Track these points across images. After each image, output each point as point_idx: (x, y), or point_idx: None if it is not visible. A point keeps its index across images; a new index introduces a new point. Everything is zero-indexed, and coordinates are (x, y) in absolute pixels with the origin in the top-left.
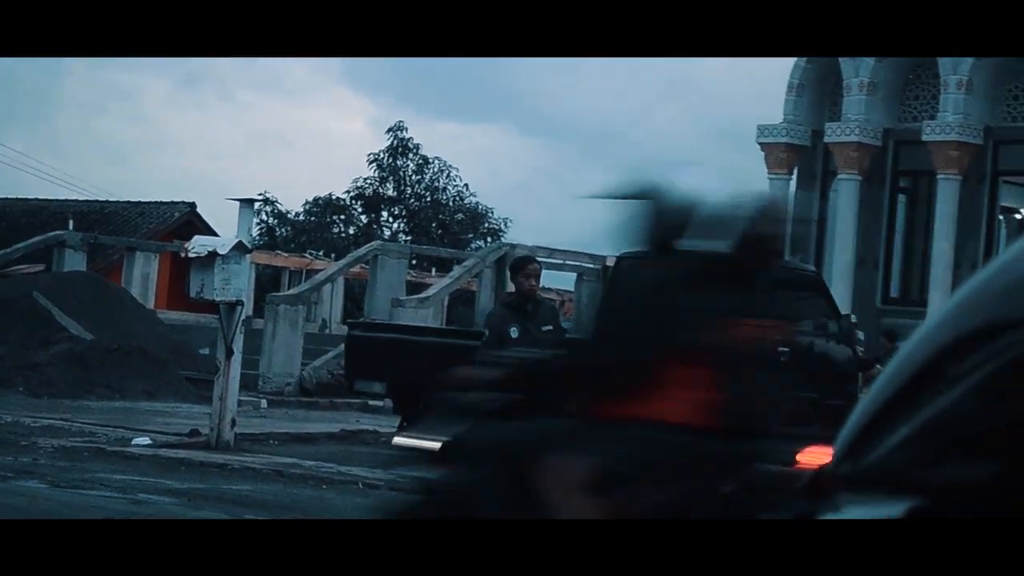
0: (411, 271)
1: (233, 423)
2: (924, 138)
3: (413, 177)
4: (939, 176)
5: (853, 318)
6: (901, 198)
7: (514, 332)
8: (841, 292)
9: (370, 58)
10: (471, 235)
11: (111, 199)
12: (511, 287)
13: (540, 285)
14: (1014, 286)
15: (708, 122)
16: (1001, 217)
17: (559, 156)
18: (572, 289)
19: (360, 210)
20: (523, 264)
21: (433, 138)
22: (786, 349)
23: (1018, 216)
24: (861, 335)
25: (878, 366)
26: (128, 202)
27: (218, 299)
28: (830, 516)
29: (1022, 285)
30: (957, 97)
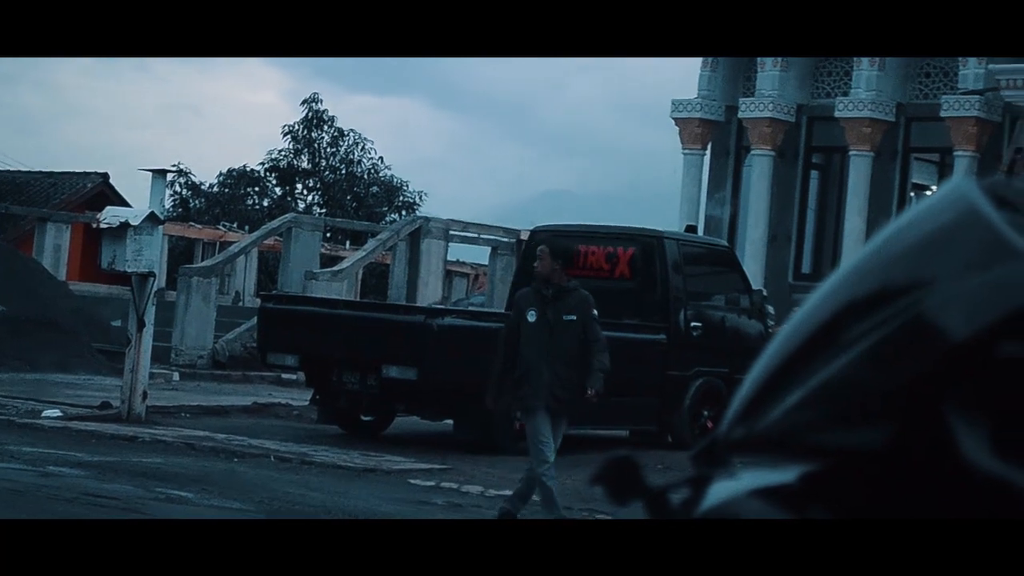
0: (325, 244)
1: (144, 396)
2: (837, 114)
3: (328, 149)
4: (851, 152)
5: (765, 293)
6: (814, 174)
7: (532, 315)
8: (753, 267)
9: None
10: (386, 208)
11: (22, 169)
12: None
13: (542, 267)
14: (906, 252)
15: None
16: (912, 194)
17: (473, 129)
18: (487, 263)
19: (274, 182)
20: (534, 247)
21: (347, 110)
22: (698, 324)
23: (929, 193)
24: (772, 310)
25: None
26: (40, 172)
27: (130, 270)
28: (724, 480)
29: (914, 251)
30: (870, 74)
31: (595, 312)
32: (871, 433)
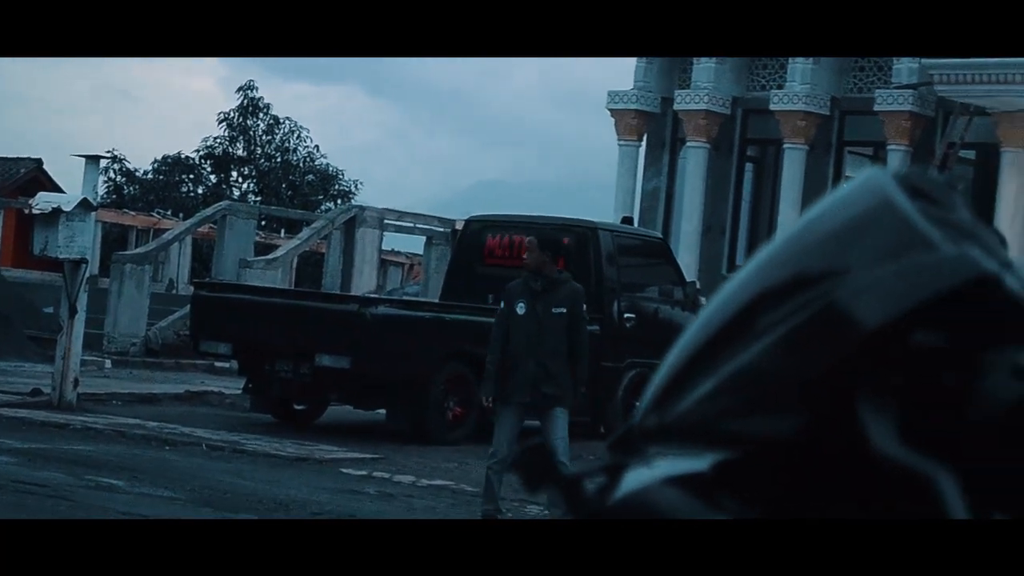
0: (260, 232)
1: (76, 383)
2: (772, 107)
3: (263, 137)
4: (786, 145)
5: (698, 285)
6: (748, 166)
7: (520, 308)
8: (688, 259)
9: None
10: (321, 197)
11: None
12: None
13: (530, 260)
14: (819, 242)
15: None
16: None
17: (408, 118)
18: (422, 252)
19: (209, 169)
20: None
21: (283, 98)
22: (632, 315)
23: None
24: (705, 302)
25: None
26: None
27: (62, 257)
28: (639, 468)
29: (827, 240)
30: (804, 67)
31: (584, 307)
32: (783, 421)
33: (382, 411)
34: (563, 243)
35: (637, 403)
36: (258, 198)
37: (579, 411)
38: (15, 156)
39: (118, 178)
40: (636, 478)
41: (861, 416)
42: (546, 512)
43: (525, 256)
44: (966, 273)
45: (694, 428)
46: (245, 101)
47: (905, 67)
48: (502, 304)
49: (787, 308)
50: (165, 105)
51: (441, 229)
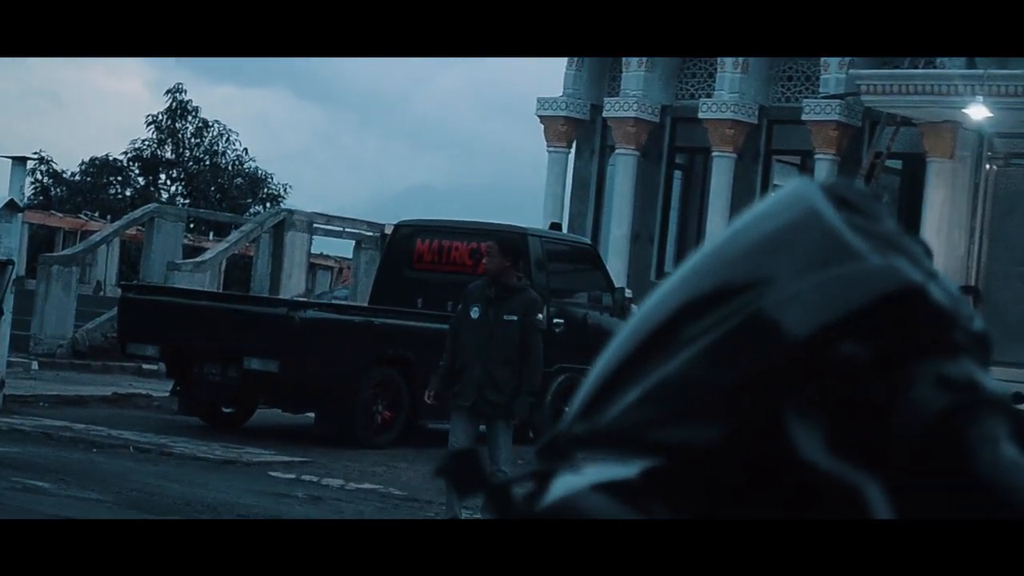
0: (188, 235)
1: (2, 384)
2: (700, 115)
3: (192, 140)
4: (714, 153)
5: (628, 292)
6: (677, 174)
7: (475, 312)
8: (616, 266)
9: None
10: (250, 200)
11: None
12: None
13: (492, 265)
14: (744, 252)
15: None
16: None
17: (337, 122)
18: (351, 256)
19: (137, 172)
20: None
21: (210, 101)
22: (560, 321)
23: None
24: (635, 308)
25: None
26: None
27: None
28: (567, 475)
29: (752, 250)
30: (733, 76)
31: (539, 317)
32: (709, 430)
33: (311, 415)
34: (484, 252)
35: (566, 408)
36: (186, 201)
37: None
38: None
39: (45, 180)
40: (564, 484)
41: (787, 426)
42: (476, 515)
43: (485, 261)
44: (891, 284)
45: (622, 435)
46: (174, 104)
47: (833, 77)
48: (461, 306)
49: (712, 318)
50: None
51: (370, 233)
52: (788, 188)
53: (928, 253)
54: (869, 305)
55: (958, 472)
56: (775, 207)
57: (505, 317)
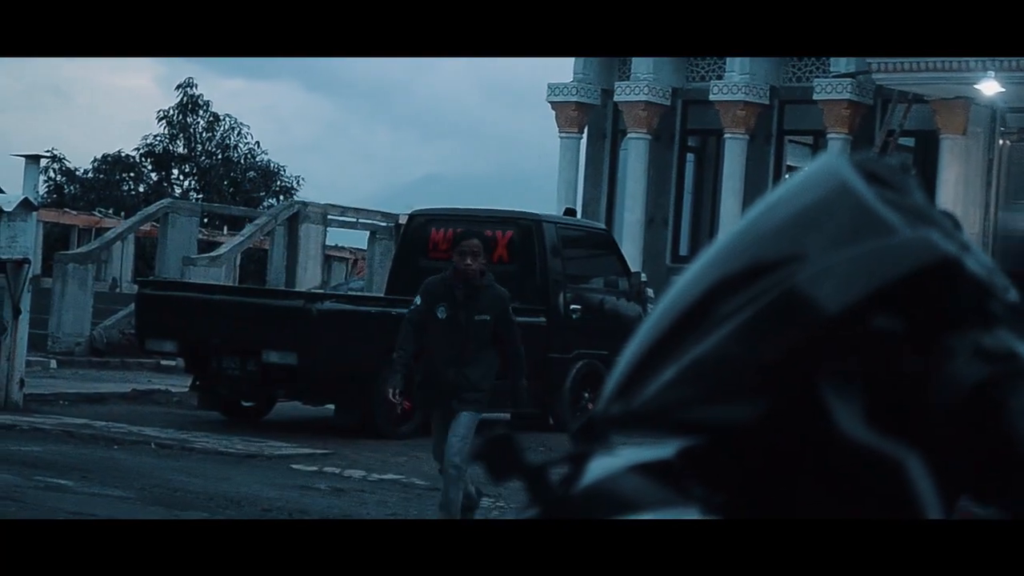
0: (203, 229)
1: (22, 383)
2: (712, 97)
3: (204, 134)
4: (726, 135)
5: (643, 276)
6: (690, 157)
7: (441, 312)
8: (631, 250)
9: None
10: (263, 193)
11: None
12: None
13: (476, 265)
14: (776, 228)
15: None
16: (787, 176)
17: (345, 112)
18: (365, 247)
19: (150, 168)
20: (460, 239)
21: (220, 95)
22: (578, 307)
23: (796, 177)
24: (651, 292)
25: None
26: None
27: (4, 257)
28: (603, 457)
29: (785, 226)
30: (744, 57)
31: (511, 312)
32: (745, 407)
33: (330, 406)
34: (499, 239)
35: (586, 394)
36: (200, 195)
37: (527, 403)
38: None
39: (58, 177)
40: (601, 466)
41: (825, 401)
42: (500, 504)
43: (469, 261)
44: (926, 256)
45: (657, 416)
46: (185, 99)
47: (843, 56)
48: (419, 300)
49: (746, 295)
50: (102, 103)
51: (384, 224)
52: (818, 164)
53: (957, 225)
54: (904, 277)
55: (998, 443)
56: (806, 183)
57: (477, 318)
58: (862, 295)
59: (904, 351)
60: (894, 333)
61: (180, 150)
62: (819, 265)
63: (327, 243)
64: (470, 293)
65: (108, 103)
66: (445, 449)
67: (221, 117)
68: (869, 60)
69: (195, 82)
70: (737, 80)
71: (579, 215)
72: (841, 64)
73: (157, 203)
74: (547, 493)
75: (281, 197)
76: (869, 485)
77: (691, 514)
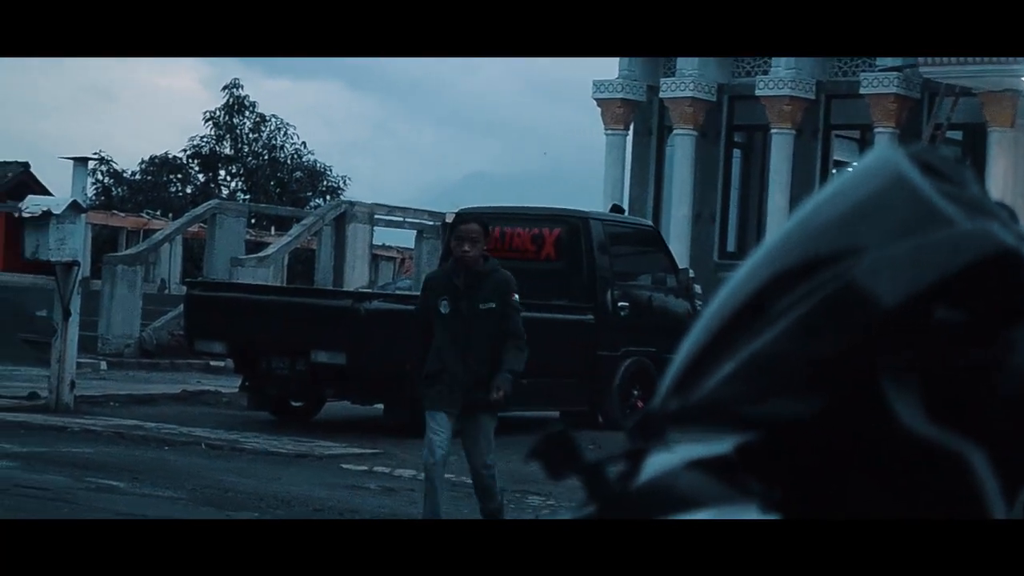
0: (250, 230)
1: (72, 385)
2: (758, 93)
3: (250, 135)
4: (773, 131)
5: (691, 272)
6: (736, 152)
7: (444, 306)
8: (678, 247)
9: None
10: (310, 193)
11: None
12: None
13: (475, 252)
14: (833, 222)
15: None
16: (834, 171)
17: (391, 111)
18: (412, 246)
19: (197, 169)
20: (456, 223)
21: (265, 95)
22: (626, 304)
23: (850, 170)
24: (699, 289)
25: None
26: None
27: (53, 259)
28: (660, 453)
29: (841, 219)
30: None
31: (516, 297)
32: (804, 403)
33: (380, 406)
34: (547, 237)
35: (635, 391)
36: (247, 196)
37: (576, 400)
38: (2, 160)
39: (106, 179)
40: (658, 463)
41: (885, 395)
42: (550, 502)
43: (467, 247)
44: (986, 248)
45: (715, 411)
46: (231, 99)
47: None
48: (422, 299)
49: (803, 289)
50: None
51: (431, 223)
52: (873, 156)
53: (1014, 217)
54: (964, 270)
55: None
56: (861, 176)
57: (481, 307)
58: (921, 288)
59: (965, 344)
60: (954, 326)
61: (227, 151)
62: (877, 258)
63: (374, 242)
64: (472, 282)
65: (154, 105)
66: (473, 454)
67: (267, 118)
68: None
69: (241, 83)
70: (783, 75)
71: (626, 212)
72: (887, 58)
73: (204, 204)
74: (605, 490)
75: (328, 197)
76: (930, 481)
77: (749, 510)
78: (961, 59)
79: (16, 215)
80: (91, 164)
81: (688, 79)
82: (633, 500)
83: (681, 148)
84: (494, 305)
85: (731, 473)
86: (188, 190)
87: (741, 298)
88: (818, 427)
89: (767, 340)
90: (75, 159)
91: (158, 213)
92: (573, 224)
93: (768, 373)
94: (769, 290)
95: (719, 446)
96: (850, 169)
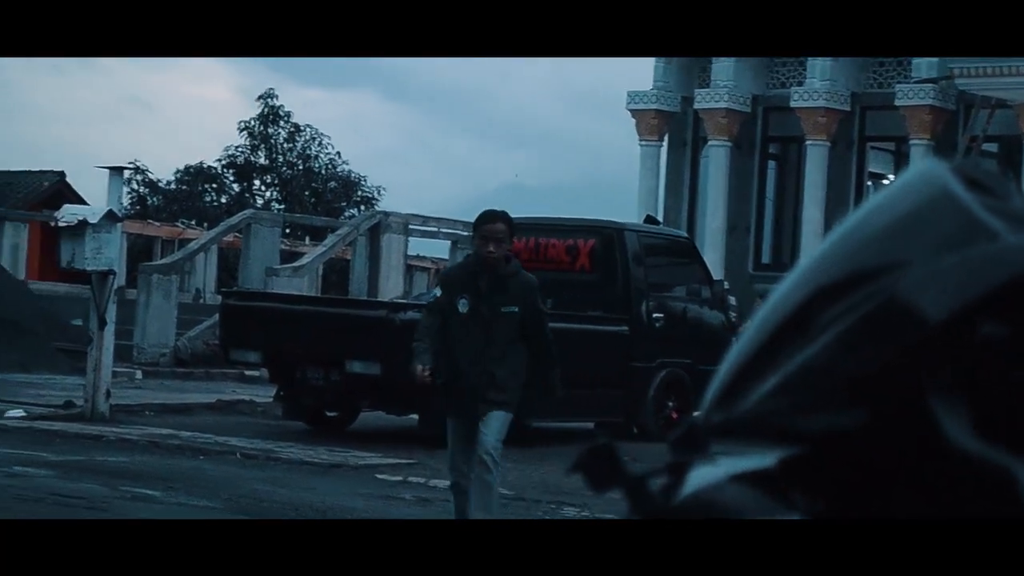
0: (285, 240)
1: (108, 394)
2: (792, 104)
3: (285, 145)
4: (808, 142)
5: (725, 284)
6: (771, 164)
7: (463, 306)
8: (713, 258)
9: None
10: (344, 203)
11: None
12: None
13: (500, 252)
14: (877, 235)
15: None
16: (870, 183)
17: (425, 121)
18: (447, 257)
19: (232, 178)
20: (481, 222)
21: (299, 105)
22: (661, 315)
23: (886, 182)
24: (733, 300)
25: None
26: None
27: (89, 268)
28: (703, 466)
29: (886, 233)
30: (824, 63)
31: (540, 301)
32: (848, 417)
33: (414, 416)
34: (581, 248)
35: (669, 403)
36: (282, 206)
37: (611, 412)
38: (38, 169)
39: (141, 189)
40: (701, 476)
41: (932, 410)
42: (584, 513)
43: (492, 248)
44: None
45: (759, 424)
46: (266, 109)
47: (925, 61)
48: (438, 291)
49: (847, 303)
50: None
51: (466, 233)
52: (917, 170)
53: None
54: (1009, 284)
55: None
56: (905, 189)
57: (503, 310)
58: (967, 302)
59: (1012, 359)
60: (1001, 340)
61: (262, 161)
62: (922, 273)
63: (409, 253)
64: (495, 283)
65: (190, 115)
66: (479, 441)
67: (302, 127)
68: (951, 65)
69: (276, 93)
70: (818, 86)
71: (660, 223)
72: (922, 69)
73: (239, 214)
74: (648, 503)
75: (362, 207)
76: (976, 496)
77: None
78: (997, 71)
79: (52, 224)
80: (127, 174)
81: (723, 90)
82: (677, 513)
83: (715, 159)
84: (516, 309)
85: (774, 487)
86: (223, 200)
87: (784, 312)
88: (862, 441)
89: (810, 354)
90: (111, 168)
91: (193, 223)
92: (608, 235)
93: (812, 387)
94: (812, 304)
95: (762, 460)
96: (892, 183)
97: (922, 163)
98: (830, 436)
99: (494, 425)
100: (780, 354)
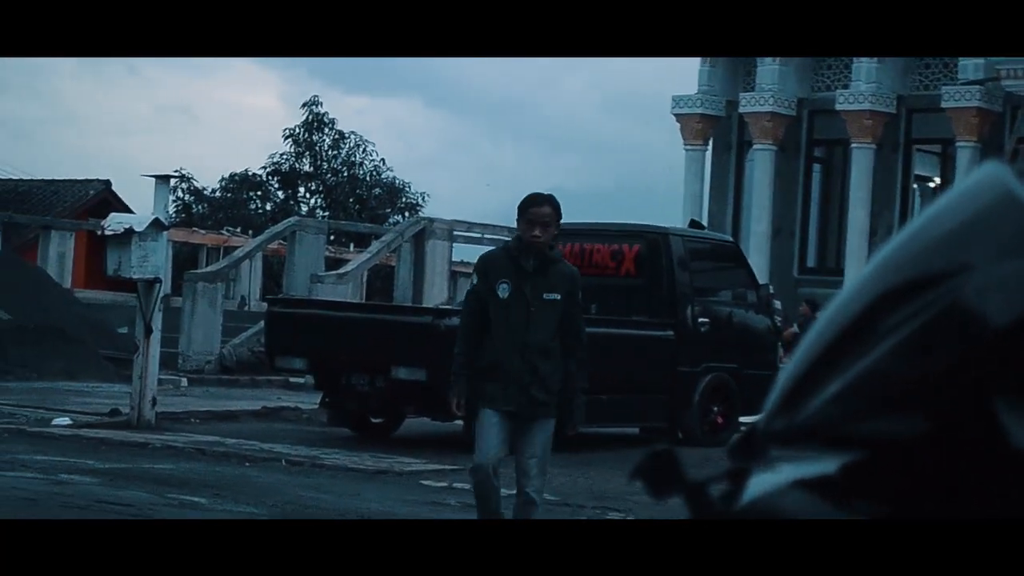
0: (329, 247)
1: (154, 402)
2: (838, 107)
3: (329, 152)
4: (853, 145)
5: (771, 288)
6: (816, 167)
7: (504, 290)
8: (758, 262)
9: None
10: (389, 210)
11: (24, 177)
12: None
13: (546, 237)
14: (940, 240)
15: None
16: (915, 185)
17: (468, 128)
18: None
19: (277, 186)
20: (527, 205)
21: (343, 112)
22: (706, 320)
23: (932, 184)
24: (779, 304)
25: (794, 327)
26: (42, 180)
27: (136, 277)
28: (764, 473)
29: (949, 238)
30: (870, 66)
31: (580, 295)
32: (912, 421)
33: (459, 422)
34: (626, 253)
35: (715, 408)
36: (326, 213)
37: (656, 417)
38: (83, 178)
39: (186, 197)
40: (762, 482)
41: (996, 415)
42: (630, 519)
43: (538, 232)
44: None
45: (821, 430)
46: (310, 116)
47: (971, 63)
48: (476, 279)
49: (911, 308)
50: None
51: (510, 239)
52: (979, 173)
53: None
54: None
55: None
56: (968, 194)
57: (546, 296)
58: None
59: None
60: None
61: (306, 168)
62: (986, 277)
63: (453, 259)
64: (538, 267)
65: (235, 122)
66: (525, 472)
67: (346, 135)
68: (998, 66)
69: (320, 100)
70: (863, 89)
71: (705, 227)
72: (968, 71)
73: (284, 221)
74: (709, 510)
75: (407, 213)
76: None
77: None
78: None
79: (98, 233)
80: (172, 182)
81: (768, 93)
82: (738, 520)
83: (760, 163)
84: (558, 297)
85: (836, 493)
86: (268, 207)
87: (847, 317)
88: (925, 446)
89: (873, 359)
90: (156, 177)
91: (238, 230)
92: (653, 240)
93: (875, 392)
94: (875, 309)
95: (824, 466)
96: (956, 187)
97: (984, 167)
98: (893, 441)
99: (537, 451)
100: (842, 360)
